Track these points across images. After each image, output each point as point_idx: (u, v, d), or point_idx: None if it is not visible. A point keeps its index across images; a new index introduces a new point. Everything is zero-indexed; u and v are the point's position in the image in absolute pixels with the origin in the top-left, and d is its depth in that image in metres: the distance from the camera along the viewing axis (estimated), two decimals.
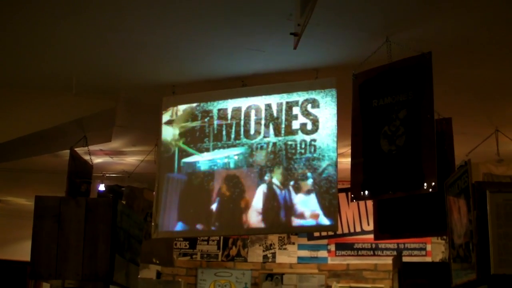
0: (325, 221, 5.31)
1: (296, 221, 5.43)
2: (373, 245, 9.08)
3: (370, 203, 8.17)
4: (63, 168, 6.67)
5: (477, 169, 6.41)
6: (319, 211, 5.32)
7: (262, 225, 5.55)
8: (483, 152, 6.34)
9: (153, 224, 5.88)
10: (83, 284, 4.97)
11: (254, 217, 5.55)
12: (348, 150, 5.75)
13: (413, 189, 5.02)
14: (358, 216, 8.68)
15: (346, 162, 5.84)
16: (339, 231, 8.72)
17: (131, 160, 8.26)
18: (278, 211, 5.46)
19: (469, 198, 4.14)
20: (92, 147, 7.22)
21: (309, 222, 5.37)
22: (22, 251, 8.23)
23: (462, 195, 4.31)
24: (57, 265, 4.52)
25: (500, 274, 3.93)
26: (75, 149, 6.79)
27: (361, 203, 8.61)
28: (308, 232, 8.29)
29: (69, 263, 4.49)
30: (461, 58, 5.36)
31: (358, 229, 8.73)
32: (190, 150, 5.93)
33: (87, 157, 7.08)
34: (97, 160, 8.06)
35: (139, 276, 6.88)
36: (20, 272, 11.19)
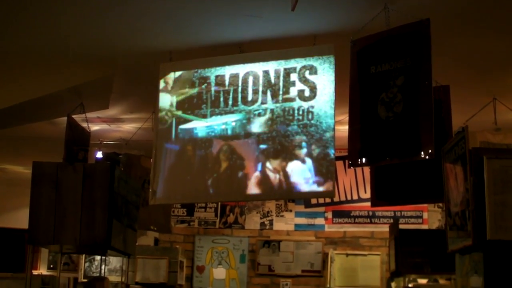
0: (322, 187, 5.32)
1: (293, 187, 5.43)
2: (370, 213, 9.11)
3: (367, 171, 8.18)
4: (61, 136, 6.66)
5: (474, 138, 6.40)
6: (316, 177, 5.33)
7: (259, 191, 5.55)
8: (481, 121, 6.32)
9: (150, 190, 5.88)
10: (81, 249, 5.01)
11: (251, 183, 5.55)
12: (345, 117, 5.74)
13: (410, 156, 5.02)
14: (355, 184, 8.69)
15: (343, 129, 5.83)
16: (336, 199, 8.73)
17: (129, 127, 8.24)
18: (275, 177, 5.47)
19: (466, 165, 4.14)
20: (89, 115, 7.20)
21: (306, 188, 5.38)
22: (21, 219, 8.23)
23: (459, 162, 4.31)
24: (55, 230, 4.54)
25: (495, 240, 3.95)
26: (73, 116, 6.77)
27: (358, 170, 8.61)
28: (305, 198, 8.31)
29: (67, 229, 4.52)
30: (460, 27, 5.33)
31: (355, 197, 8.74)
32: (188, 117, 5.92)
33: (84, 125, 7.07)
34: (94, 127, 8.04)
35: (137, 243, 6.92)
36: (19, 239, 11.21)
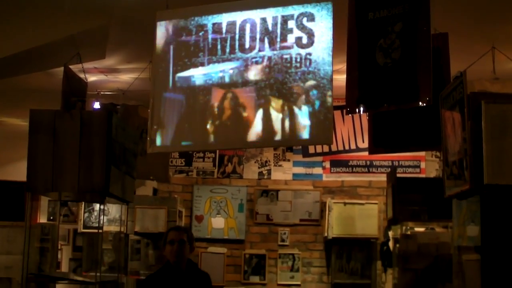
0: (320, 134, 5.32)
1: (292, 135, 5.43)
2: (368, 162, 9.14)
3: (365, 120, 8.19)
4: (58, 87, 6.62)
5: (472, 87, 6.36)
6: (314, 124, 5.32)
7: (258, 138, 5.55)
8: (479, 70, 6.27)
9: (148, 139, 5.87)
10: (80, 196, 5.04)
11: (249, 130, 5.55)
12: (343, 67, 5.71)
13: (408, 102, 5.02)
14: (353, 133, 8.71)
15: (341, 79, 5.81)
16: (334, 148, 8.76)
17: (126, 77, 8.21)
18: (273, 125, 5.46)
19: (463, 110, 4.15)
20: (86, 65, 7.15)
21: (305, 135, 5.38)
22: (19, 172, 8.25)
23: (456, 107, 4.32)
24: (53, 178, 4.56)
25: (492, 184, 3.97)
26: (70, 66, 6.73)
27: (356, 120, 8.62)
28: (303, 145, 8.32)
29: (65, 176, 4.53)
30: None
31: (353, 147, 8.76)
32: (185, 65, 5.89)
33: (81, 75, 7.03)
34: (91, 78, 8.00)
35: (135, 194, 6.94)
36: (17, 192, 11.25)
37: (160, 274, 5.19)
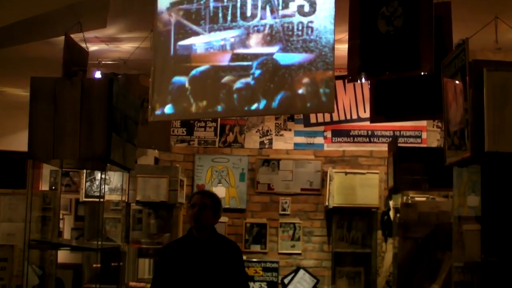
0: (321, 102, 5.31)
1: (293, 103, 5.42)
2: (369, 132, 9.14)
3: (366, 90, 8.17)
4: (59, 57, 6.59)
5: (474, 57, 6.36)
6: (315, 92, 5.31)
7: (259, 106, 5.54)
8: (481, 40, 6.23)
9: (149, 107, 5.88)
10: (81, 163, 5.04)
11: (250, 98, 5.54)
12: (345, 36, 5.69)
13: (410, 70, 5.01)
14: (355, 103, 8.68)
15: (343, 48, 5.78)
16: (335, 118, 8.74)
17: (127, 47, 8.17)
18: (274, 92, 5.45)
19: (465, 77, 4.13)
20: (87, 34, 7.11)
21: (306, 103, 5.37)
22: (21, 142, 8.25)
23: (458, 75, 4.29)
24: (55, 145, 4.56)
25: (493, 152, 3.97)
26: (70, 35, 6.69)
27: (358, 90, 8.59)
28: (305, 113, 8.31)
29: (66, 143, 4.53)
30: None
31: (354, 116, 8.74)
32: (186, 33, 5.87)
33: (82, 45, 7.00)
34: (92, 47, 7.96)
35: (137, 163, 6.95)
36: (19, 162, 11.27)
37: (179, 243, 4.98)
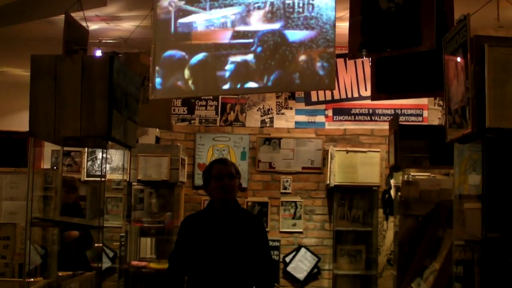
0: (322, 79, 5.30)
1: (294, 80, 5.41)
2: (370, 111, 9.14)
3: (367, 68, 8.17)
4: (59, 36, 6.57)
5: (476, 34, 6.34)
6: (316, 69, 5.31)
7: (260, 84, 5.53)
8: (483, 17, 6.22)
9: (150, 85, 5.88)
10: (82, 141, 5.03)
11: (251, 76, 5.53)
12: (346, 13, 5.66)
13: (411, 47, 4.99)
14: (356, 82, 8.68)
15: (344, 26, 5.76)
16: (337, 96, 8.75)
17: (127, 25, 8.16)
18: (275, 69, 5.44)
19: (466, 53, 4.11)
20: (88, 13, 7.08)
21: (307, 81, 5.37)
22: (21, 122, 8.23)
23: (460, 51, 4.27)
24: (56, 122, 4.54)
25: (495, 128, 3.96)
26: (71, 14, 6.67)
27: (359, 68, 8.59)
28: (305, 91, 8.31)
29: (67, 120, 4.51)
30: None
31: (355, 95, 8.74)
32: (187, 10, 5.85)
33: (83, 23, 6.97)
34: (93, 26, 7.95)
35: (138, 142, 6.95)
36: (20, 142, 11.28)
37: (200, 215, 4.72)
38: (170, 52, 5.90)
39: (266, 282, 4.65)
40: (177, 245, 4.66)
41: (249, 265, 4.54)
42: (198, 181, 9.11)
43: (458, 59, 4.30)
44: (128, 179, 8.36)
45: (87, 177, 8.91)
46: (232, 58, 5.62)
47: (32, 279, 5.10)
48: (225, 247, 4.50)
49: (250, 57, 5.55)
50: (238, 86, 5.65)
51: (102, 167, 5.83)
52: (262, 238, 4.66)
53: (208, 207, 4.68)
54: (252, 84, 5.56)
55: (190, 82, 5.82)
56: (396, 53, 5.21)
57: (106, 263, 8.52)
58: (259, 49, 5.51)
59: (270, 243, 8.97)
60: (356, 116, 9.17)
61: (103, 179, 5.71)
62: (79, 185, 8.00)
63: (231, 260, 4.49)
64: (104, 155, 5.23)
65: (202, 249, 4.51)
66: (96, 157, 8.76)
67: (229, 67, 5.63)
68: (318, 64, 5.29)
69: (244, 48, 5.57)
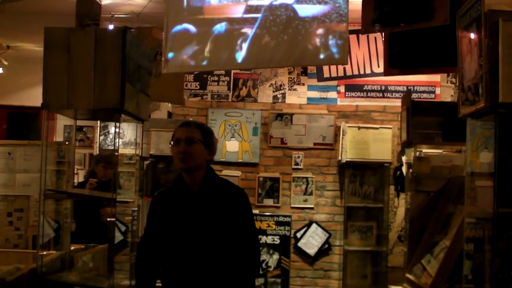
0: (334, 54, 5.29)
1: (306, 55, 5.40)
2: (383, 87, 9.12)
3: (380, 45, 8.14)
4: (71, 10, 6.57)
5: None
6: (329, 44, 5.29)
7: (273, 58, 5.52)
8: None
9: (163, 59, 5.87)
10: (95, 114, 5.06)
11: (264, 50, 5.52)
12: None
13: (425, 22, 4.97)
14: (368, 58, 8.64)
15: (357, 2, 5.74)
16: (349, 73, 8.71)
17: (140, 0, 8.15)
18: (288, 44, 5.42)
19: (480, 27, 4.09)
20: None
21: (320, 55, 5.35)
22: (35, 97, 8.26)
23: (473, 25, 4.26)
24: (69, 95, 4.58)
25: (507, 102, 3.95)
26: None
27: (372, 45, 8.54)
28: (318, 65, 8.28)
29: (80, 93, 4.55)
30: None
31: (368, 71, 8.70)
32: None
33: None
34: (105, 1, 7.95)
35: (150, 117, 6.97)
36: (33, 117, 11.36)
37: (171, 191, 4.11)
38: (182, 26, 5.88)
39: (245, 272, 3.96)
40: (146, 229, 4.15)
41: (227, 248, 3.91)
42: None
43: (472, 34, 4.28)
44: (140, 154, 8.39)
45: (99, 151, 8.94)
46: (245, 33, 5.60)
47: (45, 252, 5.16)
48: (197, 226, 3.91)
49: (262, 31, 5.53)
50: (251, 60, 5.63)
51: (115, 141, 5.84)
52: (244, 216, 4.01)
53: (176, 180, 4.08)
54: (264, 59, 5.54)
55: (202, 56, 5.81)
56: (409, 28, 5.18)
57: (118, 237, 8.57)
58: (272, 23, 5.49)
59: (282, 218, 9.03)
60: (368, 93, 9.16)
61: (116, 153, 5.73)
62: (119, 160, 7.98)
63: (204, 242, 3.89)
64: (117, 129, 5.25)
65: (173, 231, 3.96)
66: (108, 132, 8.79)
67: (241, 41, 5.61)
68: (331, 39, 5.27)
69: (257, 22, 5.55)
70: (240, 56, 5.64)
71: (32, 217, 5.82)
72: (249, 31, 5.58)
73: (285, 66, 8.50)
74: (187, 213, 3.93)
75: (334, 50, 5.27)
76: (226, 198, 3.96)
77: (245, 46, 5.60)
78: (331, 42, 5.27)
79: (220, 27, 5.72)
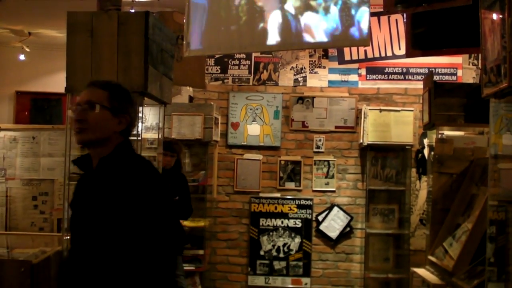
0: (357, 35, 5.27)
1: (328, 36, 5.38)
2: (404, 70, 9.08)
3: (401, 28, 8.08)
4: None
5: None
6: (352, 25, 5.27)
7: (293, 41, 5.51)
8: None
9: (184, 43, 5.88)
10: None
11: (286, 33, 5.51)
12: None
13: (447, 1, 4.93)
14: (390, 41, 8.59)
15: None
16: (370, 55, 8.66)
17: None
18: (310, 26, 5.41)
19: (504, 7, 4.06)
20: None
21: (341, 36, 5.33)
22: (56, 83, 8.30)
23: (497, 5, 4.22)
24: (92, 78, 4.60)
25: None
26: None
27: (393, 27, 8.49)
28: (340, 47, 8.25)
29: (104, 76, 4.56)
30: None
31: (389, 54, 8.64)
32: None
33: None
34: None
35: (172, 102, 6.97)
36: (56, 103, 11.42)
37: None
38: (204, 9, 5.88)
39: None
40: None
41: (95, 255, 2.93)
42: (232, 140, 9.17)
43: (495, 14, 4.25)
44: (162, 138, 8.42)
45: None
46: (268, 14, 5.59)
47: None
48: (75, 218, 3.12)
49: (285, 13, 5.51)
50: (272, 43, 5.62)
51: (138, 125, 5.87)
52: (122, 219, 2.87)
53: (85, 157, 3.14)
54: (286, 41, 5.53)
55: (224, 39, 5.81)
56: (431, 8, 5.14)
57: None
58: (292, 6, 5.47)
59: (303, 201, 9.06)
60: (390, 75, 9.12)
61: (139, 138, 5.75)
62: (181, 147, 7.99)
63: (76, 240, 3.07)
64: (140, 114, 5.27)
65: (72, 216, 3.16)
66: None
67: (263, 23, 5.60)
68: (353, 20, 5.25)
69: (279, 3, 5.54)
70: (262, 39, 5.63)
71: (57, 201, 5.89)
72: (272, 13, 5.56)
73: (307, 49, 8.48)
74: (76, 200, 3.16)
75: (356, 31, 5.25)
76: (105, 187, 2.96)
77: (267, 28, 5.59)
78: (353, 23, 5.25)
79: (242, 9, 5.70)
